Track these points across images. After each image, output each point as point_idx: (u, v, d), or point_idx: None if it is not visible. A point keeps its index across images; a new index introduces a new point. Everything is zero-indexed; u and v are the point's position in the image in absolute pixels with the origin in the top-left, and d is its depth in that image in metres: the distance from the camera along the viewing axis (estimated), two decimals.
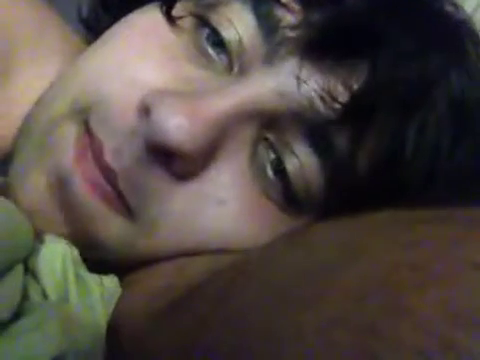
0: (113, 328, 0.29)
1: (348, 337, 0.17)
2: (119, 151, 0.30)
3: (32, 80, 0.35)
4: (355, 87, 0.30)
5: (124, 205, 0.30)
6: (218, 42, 0.32)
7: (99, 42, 0.35)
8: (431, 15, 0.33)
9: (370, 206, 0.24)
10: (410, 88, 0.30)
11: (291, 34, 0.30)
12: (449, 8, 0.35)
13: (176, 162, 0.29)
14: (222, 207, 0.31)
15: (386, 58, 0.30)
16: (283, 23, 0.30)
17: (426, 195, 0.31)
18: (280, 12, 0.31)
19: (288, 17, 0.30)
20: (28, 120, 0.34)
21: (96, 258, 0.32)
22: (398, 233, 0.21)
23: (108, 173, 0.30)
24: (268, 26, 0.31)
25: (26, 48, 0.37)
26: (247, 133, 0.31)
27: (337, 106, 0.29)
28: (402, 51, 0.30)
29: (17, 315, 0.26)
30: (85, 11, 0.43)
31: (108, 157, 0.30)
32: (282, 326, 0.19)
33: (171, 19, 0.33)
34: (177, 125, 0.28)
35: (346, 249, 0.22)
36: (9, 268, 0.27)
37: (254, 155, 0.31)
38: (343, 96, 0.30)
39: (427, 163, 0.31)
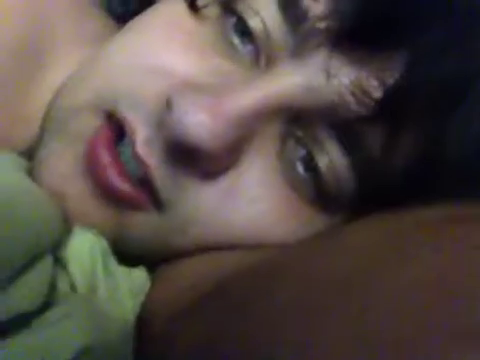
0: (142, 321, 0.29)
1: None
2: (150, 142, 0.29)
3: (72, 66, 0.35)
4: (389, 81, 0.28)
5: (156, 199, 0.30)
6: (244, 32, 0.31)
7: (123, 31, 0.34)
8: (475, 2, 0.32)
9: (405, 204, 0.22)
10: (451, 83, 0.28)
11: (319, 25, 0.29)
12: None
13: (200, 160, 0.29)
14: (254, 204, 0.30)
15: (424, 49, 0.28)
16: (310, 13, 0.29)
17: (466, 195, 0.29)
18: (307, 1, 0.29)
19: (315, 6, 0.29)
20: (52, 106, 0.34)
21: (126, 251, 0.31)
22: (460, 233, 0.19)
23: (141, 165, 0.29)
24: (295, 17, 0.29)
25: (67, 34, 0.36)
26: (275, 129, 0.30)
27: (369, 102, 0.28)
28: (442, 41, 0.28)
29: (46, 306, 0.26)
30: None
31: (140, 149, 0.29)
32: (321, 341, 0.17)
33: (195, 8, 0.32)
34: (198, 122, 0.28)
35: (392, 252, 0.20)
36: (38, 258, 0.27)
37: (283, 151, 0.31)
38: (376, 91, 0.28)
39: (470, 163, 0.29)
